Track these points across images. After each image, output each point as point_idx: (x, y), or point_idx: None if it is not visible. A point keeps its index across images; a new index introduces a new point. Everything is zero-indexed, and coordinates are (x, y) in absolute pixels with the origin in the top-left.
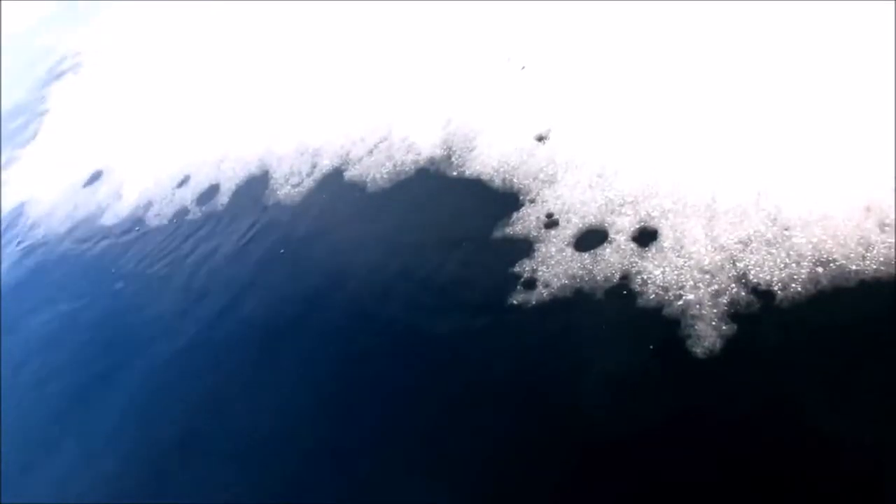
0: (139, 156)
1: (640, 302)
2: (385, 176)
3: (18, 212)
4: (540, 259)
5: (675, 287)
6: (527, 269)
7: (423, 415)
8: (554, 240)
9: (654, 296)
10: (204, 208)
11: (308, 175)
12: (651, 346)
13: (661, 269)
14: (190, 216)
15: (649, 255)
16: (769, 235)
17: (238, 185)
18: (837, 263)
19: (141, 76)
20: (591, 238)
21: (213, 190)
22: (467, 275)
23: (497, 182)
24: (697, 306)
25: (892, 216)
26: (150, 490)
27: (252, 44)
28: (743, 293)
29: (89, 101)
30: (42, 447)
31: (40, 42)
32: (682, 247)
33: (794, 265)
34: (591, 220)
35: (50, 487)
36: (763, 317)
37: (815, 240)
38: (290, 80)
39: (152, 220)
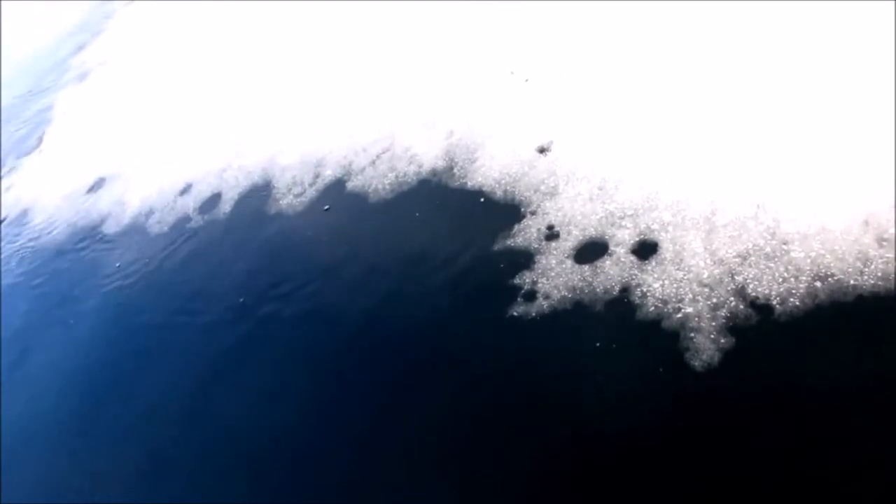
0: (142, 164)
1: (640, 314)
2: (387, 186)
3: (20, 219)
4: (540, 271)
5: (674, 300)
6: (527, 280)
7: (422, 427)
8: (554, 252)
9: (653, 308)
10: (206, 217)
11: (311, 185)
12: (650, 359)
13: (661, 282)
14: (191, 224)
15: (649, 267)
16: (768, 249)
17: (240, 194)
18: (836, 278)
19: (146, 84)
20: (592, 250)
21: (216, 198)
22: (468, 286)
23: (499, 194)
24: (696, 319)
25: (891, 231)
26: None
27: (257, 53)
28: (741, 307)
29: (93, 109)
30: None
31: (44, 49)
32: (681, 260)
33: (792, 279)
34: (591, 232)
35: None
36: (761, 331)
37: (813, 254)
38: (293, 90)
39: (153, 228)
